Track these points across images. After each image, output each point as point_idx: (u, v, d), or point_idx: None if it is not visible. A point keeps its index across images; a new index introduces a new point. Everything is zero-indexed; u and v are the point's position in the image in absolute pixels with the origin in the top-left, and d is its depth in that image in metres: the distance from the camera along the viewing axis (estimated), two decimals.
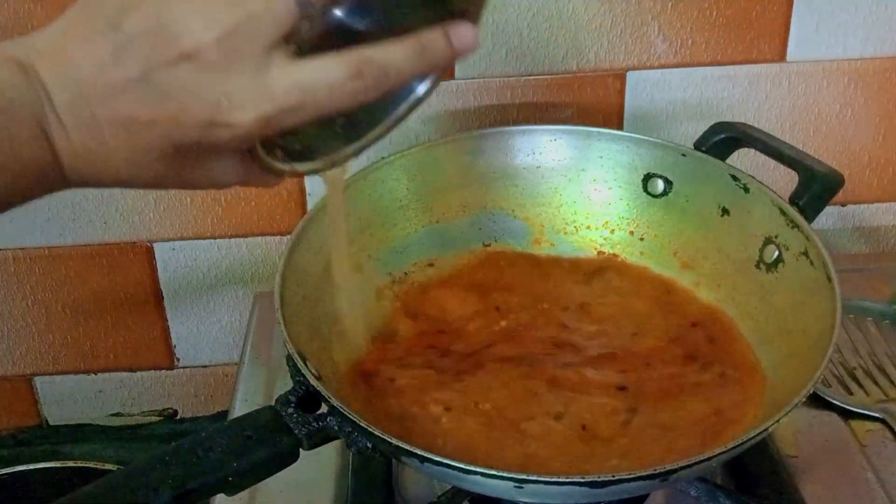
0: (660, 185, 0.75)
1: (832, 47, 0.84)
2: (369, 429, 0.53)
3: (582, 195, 0.77)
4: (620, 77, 0.84)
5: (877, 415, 0.71)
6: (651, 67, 0.84)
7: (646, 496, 0.63)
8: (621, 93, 0.85)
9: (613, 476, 0.51)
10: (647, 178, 0.75)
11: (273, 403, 0.57)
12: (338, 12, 0.47)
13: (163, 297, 0.92)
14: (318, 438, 0.56)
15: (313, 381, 0.56)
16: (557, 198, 0.77)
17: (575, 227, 0.77)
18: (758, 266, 0.69)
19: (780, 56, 0.84)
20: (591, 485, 0.51)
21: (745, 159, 0.75)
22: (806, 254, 0.65)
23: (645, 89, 0.85)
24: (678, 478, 0.53)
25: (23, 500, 0.90)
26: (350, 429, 0.55)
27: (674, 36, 0.83)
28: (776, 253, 0.68)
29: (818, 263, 0.64)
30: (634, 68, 0.84)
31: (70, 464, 0.92)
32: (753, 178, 0.70)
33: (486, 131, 0.79)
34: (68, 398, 0.97)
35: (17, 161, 0.42)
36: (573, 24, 0.82)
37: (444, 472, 0.53)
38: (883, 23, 0.83)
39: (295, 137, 0.48)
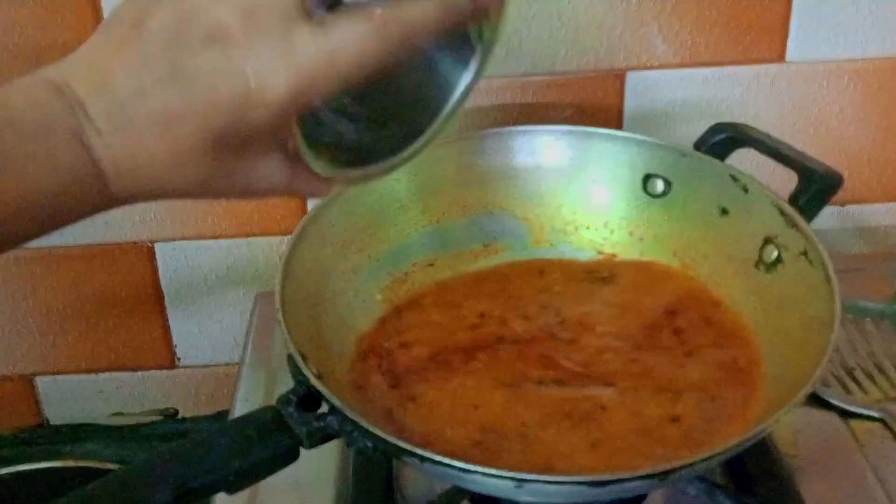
0: (659, 186, 0.75)
1: (832, 47, 0.84)
2: (369, 428, 0.53)
3: (582, 195, 0.77)
4: (620, 77, 0.84)
5: (876, 415, 0.71)
6: (651, 67, 0.84)
7: (645, 496, 0.63)
8: (621, 93, 0.85)
9: (613, 476, 0.51)
10: (647, 178, 0.75)
11: (274, 403, 0.57)
12: None
13: (164, 297, 0.92)
14: (319, 438, 0.56)
15: (314, 381, 0.56)
16: (557, 198, 0.77)
17: (575, 227, 0.77)
18: (757, 266, 0.70)
19: (780, 56, 0.84)
20: (591, 484, 0.51)
21: (744, 159, 0.75)
22: (805, 254, 0.65)
23: (645, 89, 0.85)
24: (678, 477, 0.53)
25: (23, 500, 0.90)
26: (350, 428, 0.55)
27: (674, 36, 0.83)
28: (775, 253, 0.68)
29: (818, 263, 0.64)
30: (634, 68, 0.84)
31: (70, 464, 0.92)
32: (753, 178, 0.71)
33: (486, 131, 0.79)
34: (69, 398, 0.97)
35: (57, 175, 0.43)
36: (573, 24, 0.82)
37: (444, 472, 0.54)
38: (883, 23, 0.83)
39: (345, 144, 0.47)
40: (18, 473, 0.90)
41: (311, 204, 0.86)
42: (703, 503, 0.63)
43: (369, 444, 0.55)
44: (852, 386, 0.74)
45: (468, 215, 0.76)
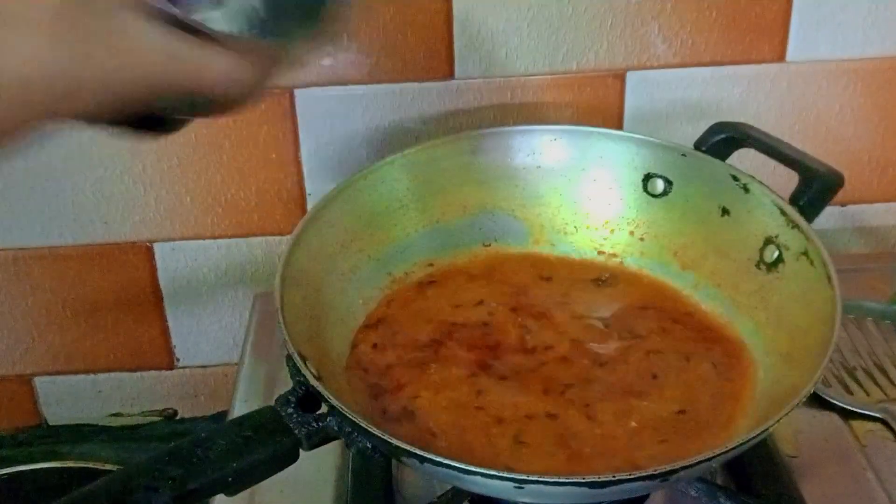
0: (660, 185, 0.75)
1: (832, 47, 0.84)
2: (369, 429, 0.53)
3: (582, 195, 0.77)
4: (620, 77, 0.84)
5: (877, 415, 0.71)
6: (651, 67, 0.84)
7: (646, 496, 0.63)
8: (621, 93, 0.85)
9: (613, 476, 0.51)
10: (647, 178, 0.75)
11: (273, 403, 0.57)
12: None
13: (163, 297, 0.92)
14: (318, 438, 0.56)
15: (313, 381, 0.56)
16: (557, 198, 0.77)
17: (575, 227, 0.77)
18: (758, 266, 0.69)
19: (780, 56, 0.84)
20: (591, 485, 0.51)
21: (745, 159, 0.75)
22: (806, 254, 0.65)
23: (645, 89, 0.85)
24: (678, 478, 0.53)
25: (23, 500, 0.90)
26: (350, 429, 0.55)
27: (674, 36, 0.83)
28: (776, 253, 0.68)
29: (818, 263, 0.64)
30: (634, 68, 0.84)
31: (70, 464, 0.92)
32: (754, 178, 0.70)
33: (486, 131, 0.79)
34: (68, 398, 0.97)
35: None
36: (573, 24, 0.82)
37: (444, 472, 0.53)
38: (883, 23, 0.83)
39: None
40: (17, 474, 0.90)
41: (311, 204, 0.86)
42: None
43: (369, 445, 0.55)
44: (853, 386, 0.74)
45: (468, 215, 0.76)
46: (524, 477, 0.51)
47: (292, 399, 0.56)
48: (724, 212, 0.72)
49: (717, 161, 0.72)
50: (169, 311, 0.92)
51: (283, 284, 0.63)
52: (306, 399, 0.56)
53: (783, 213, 0.68)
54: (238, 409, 0.74)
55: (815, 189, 0.67)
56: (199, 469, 0.53)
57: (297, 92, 0.83)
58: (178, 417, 0.99)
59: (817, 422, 0.71)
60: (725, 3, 0.81)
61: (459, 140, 0.77)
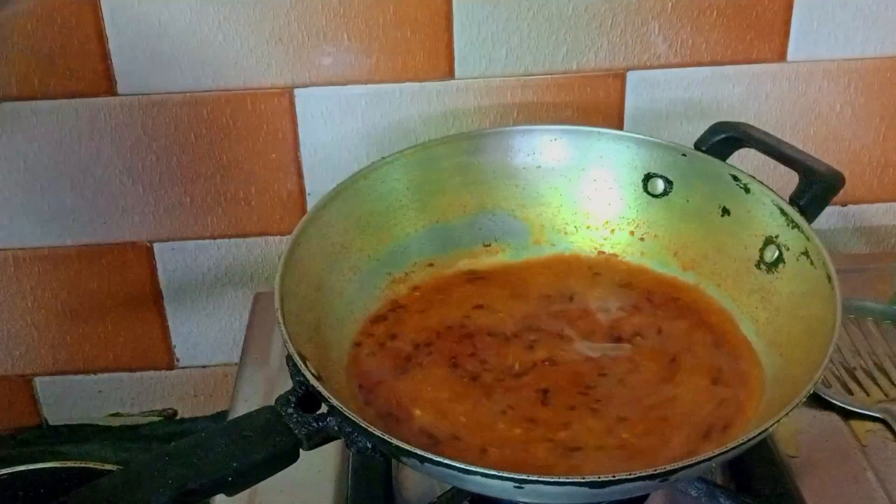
0: (660, 185, 0.75)
1: (832, 47, 0.84)
2: (369, 429, 0.53)
3: (582, 195, 0.77)
4: (620, 77, 0.84)
5: (877, 415, 0.71)
6: (651, 67, 0.84)
7: (646, 496, 0.63)
8: (621, 93, 0.85)
9: (613, 476, 0.51)
10: (648, 177, 0.75)
11: (273, 403, 0.57)
12: None
13: (162, 297, 0.92)
14: (318, 438, 0.56)
15: (313, 381, 0.56)
16: (557, 198, 0.77)
17: (575, 227, 0.77)
18: (758, 266, 0.69)
19: (781, 56, 0.84)
20: (591, 485, 0.51)
21: (745, 159, 0.75)
22: (806, 254, 0.65)
23: (645, 89, 0.85)
24: (678, 478, 0.53)
25: (23, 500, 0.90)
26: (350, 429, 0.55)
27: (674, 36, 0.83)
28: (776, 253, 0.68)
29: (818, 263, 0.64)
30: (634, 68, 0.84)
31: (70, 464, 0.91)
32: (754, 178, 0.70)
33: (486, 131, 0.79)
34: (68, 398, 0.96)
35: None
36: (573, 24, 0.82)
37: (444, 473, 0.53)
38: (883, 23, 0.83)
39: None
40: (17, 474, 0.90)
41: (311, 204, 0.86)
42: None
43: (369, 445, 0.55)
44: (853, 386, 0.74)
45: (468, 215, 0.76)
46: (524, 477, 0.51)
47: (292, 399, 0.56)
48: (725, 212, 0.72)
49: (717, 161, 0.72)
50: (169, 311, 0.92)
51: (283, 284, 0.63)
52: (306, 399, 0.56)
53: (783, 213, 0.68)
54: (238, 409, 0.74)
55: (816, 189, 0.67)
56: (199, 469, 0.53)
57: (296, 92, 0.83)
58: (178, 417, 0.99)
59: (817, 422, 0.71)
60: (726, 3, 0.81)
61: (459, 140, 0.77)
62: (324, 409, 0.56)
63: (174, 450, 0.54)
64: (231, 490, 0.54)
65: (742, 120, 0.76)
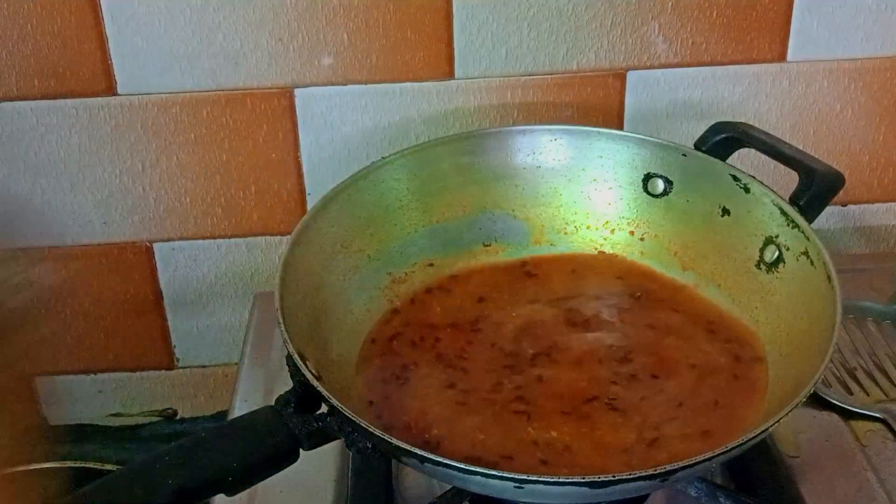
0: (660, 185, 0.75)
1: (832, 47, 0.84)
2: (369, 429, 0.53)
3: (582, 195, 0.77)
4: (620, 77, 0.84)
5: (877, 415, 0.71)
6: (651, 67, 0.84)
7: (646, 496, 0.63)
8: (621, 93, 0.85)
9: (613, 476, 0.51)
10: (648, 177, 0.75)
11: (273, 403, 0.57)
12: None
13: (163, 297, 0.92)
14: (318, 438, 0.56)
15: (313, 382, 0.56)
16: (557, 198, 0.77)
17: (575, 227, 0.77)
18: (758, 266, 0.69)
19: (781, 56, 0.84)
20: (591, 485, 0.51)
21: (745, 159, 0.75)
22: (806, 254, 0.65)
23: (645, 89, 0.85)
24: (678, 478, 0.53)
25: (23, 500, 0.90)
26: (350, 429, 0.55)
27: (674, 36, 0.83)
28: (776, 253, 0.68)
29: (818, 263, 0.64)
30: (634, 68, 0.84)
31: (70, 464, 0.91)
32: (754, 178, 0.70)
33: (486, 131, 0.79)
34: (68, 398, 0.96)
35: None
36: (573, 23, 0.82)
37: (444, 473, 0.53)
38: (883, 23, 0.83)
39: None
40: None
41: (311, 204, 0.86)
42: None
43: (369, 445, 0.55)
44: (853, 386, 0.74)
45: (468, 215, 0.76)
46: (524, 477, 0.51)
47: (292, 399, 0.56)
48: (725, 212, 0.72)
49: (717, 161, 0.72)
50: (169, 311, 0.92)
51: (283, 284, 0.63)
52: (306, 399, 0.56)
53: (783, 213, 0.68)
54: (238, 409, 0.74)
55: (816, 189, 0.67)
56: (199, 469, 0.53)
57: (296, 92, 0.83)
58: (178, 417, 0.99)
59: (817, 422, 0.71)
60: (726, 3, 0.81)
61: (459, 140, 0.77)
62: (324, 409, 0.56)
63: (174, 450, 0.53)
64: (231, 490, 0.54)
65: (742, 120, 0.76)
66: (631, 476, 0.51)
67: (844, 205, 0.92)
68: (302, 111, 0.84)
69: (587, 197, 0.77)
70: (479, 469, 0.51)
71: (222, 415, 0.92)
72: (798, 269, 0.66)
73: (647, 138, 0.75)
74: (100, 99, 0.82)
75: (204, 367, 0.96)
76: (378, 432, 0.53)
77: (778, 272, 0.68)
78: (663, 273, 0.74)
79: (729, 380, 0.65)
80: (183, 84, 0.82)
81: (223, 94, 0.82)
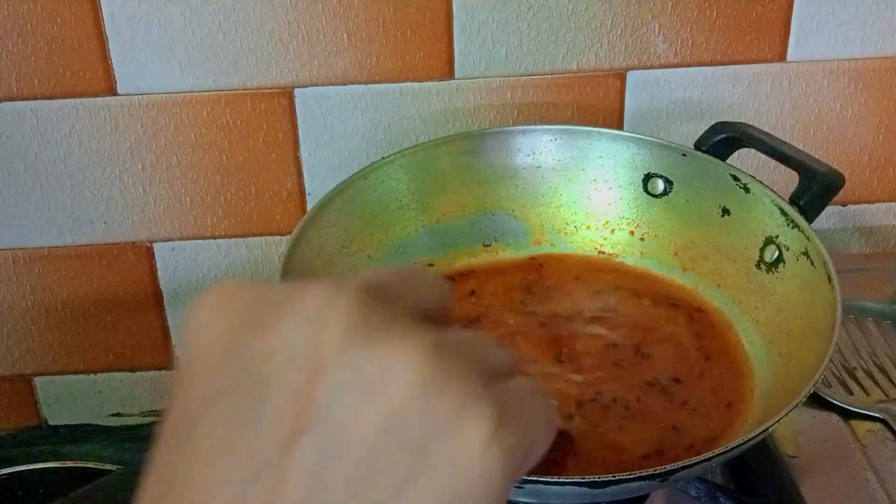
0: (660, 185, 0.75)
1: (832, 47, 0.84)
2: None
3: (582, 195, 0.77)
4: (620, 77, 0.84)
5: (877, 415, 0.71)
6: (651, 67, 0.84)
7: (646, 496, 0.63)
8: (621, 93, 0.85)
9: (613, 476, 0.51)
10: (648, 177, 0.75)
11: None
12: None
13: (163, 297, 0.92)
14: None
15: None
16: (557, 198, 0.77)
17: (575, 227, 0.77)
18: (758, 266, 0.69)
19: (781, 56, 0.84)
20: (591, 485, 0.51)
21: (745, 159, 0.75)
22: (806, 254, 0.65)
23: (645, 89, 0.85)
24: (678, 478, 0.53)
25: (23, 500, 0.90)
26: None
27: (674, 36, 0.83)
28: (776, 253, 0.68)
29: (818, 263, 0.64)
30: (634, 68, 0.84)
31: (70, 464, 0.92)
32: (754, 178, 0.70)
33: (486, 131, 0.79)
34: (68, 398, 0.96)
35: None
36: (573, 23, 0.82)
37: None
38: (883, 23, 0.83)
39: None
40: (17, 474, 0.90)
41: (311, 204, 0.86)
42: None
43: None
44: (853, 386, 0.74)
45: (468, 215, 0.76)
46: (524, 477, 0.51)
47: None
48: (725, 212, 0.72)
49: (717, 161, 0.72)
50: (169, 311, 0.92)
51: None
52: None
53: (783, 213, 0.68)
54: None
55: (816, 189, 0.67)
56: None
57: (296, 92, 0.83)
58: None
59: (817, 422, 0.71)
60: (726, 3, 0.81)
61: (459, 140, 0.77)
62: None
63: None
64: None
65: (742, 120, 0.76)
66: (631, 476, 0.51)
67: (844, 205, 0.92)
68: (302, 111, 0.84)
69: (587, 197, 0.77)
70: None
71: None
72: (798, 269, 0.66)
73: (647, 138, 0.75)
74: (100, 99, 0.82)
75: None
76: None
77: (778, 272, 0.68)
78: (663, 273, 0.74)
79: (729, 379, 0.65)
80: (183, 84, 0.82)
81: (223, 94, 0.82)
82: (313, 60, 0.82)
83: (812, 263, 0.65)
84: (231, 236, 0.89)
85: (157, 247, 0.89)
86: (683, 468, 0.52)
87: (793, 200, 0.67)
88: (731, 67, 0.84)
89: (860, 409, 0.71)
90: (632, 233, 0.76)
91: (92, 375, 0.95)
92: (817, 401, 0.72)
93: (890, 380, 0.74)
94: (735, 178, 0.71)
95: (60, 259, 0.89)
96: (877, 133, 0.88)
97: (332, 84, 0.83)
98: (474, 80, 0.83)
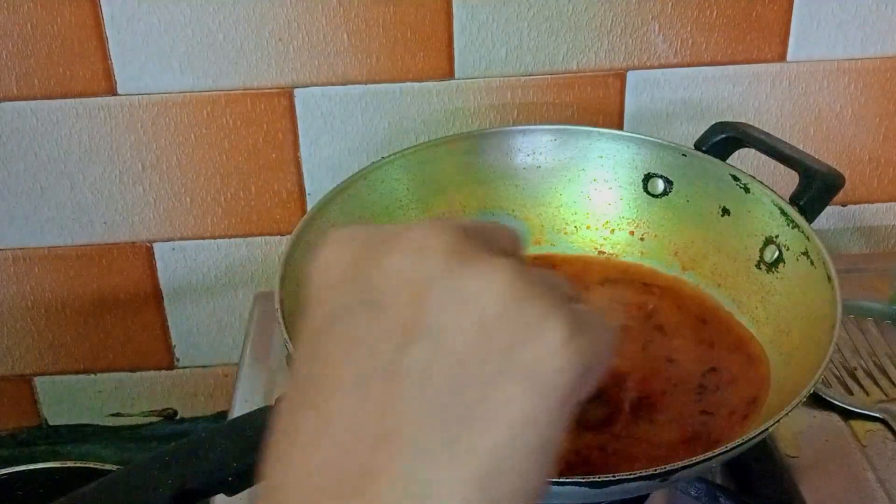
0: (660, 185, 0.75)
1: (832, 47, 0.84)
2: None
3: (582, 195, 0.77)
4: (620, 77, 0.84)
5: (877, 415, 0.71)
6: (651, 67, 0.84)
7: (646, 496, 0.63)
8: (621, 93, 0.85)
9: (613, 476, 0.51)
10: (648, 177, 0.75)
11: (273, 403, 0.57)
12: None
13: (163, 298, 0.92)
14: None
15: None
16: (557, 198, 0.77)
17: (575, 226, 0.77)
18: (758, 266, 0.69)
19: (781, 56, 0.84)
20: (591, 485, 0.51)
21: (745, 159, 0.75)
22: (806, 254, 0.65)
23: (645, 89, 0.85)
24: (678, 478, 0.53)
25: (23, 500, 0.90)
26: None
27: (674, 36, 0.83)
28: (776, 253, 0.68)
29: (818, 263, 0.64)
30: (634, 68, 0.84)
31: (70, 464, 0.91)
32: (754, 178, 0.70)
33: (486, 131, 0.79)
34: (68, 398, 0.96)
35: None
36: (573, 23, 0.82)
37: None
38: (883, 23, 0.83)
39: None
40: (17, 474, 0.90)
41: (311, 204, 0.86)
42: None
43: None
44: (853, 386, 0.74)
45: (468, 215, 0.76)
46: None
47: None
48: (725, 212, 0.72)
49: (717, 161, 0.72)
50: (169, 310, 0.92)
51: (283, 284, 0.63)
52: None
53: (783, 213, 0.68)
54: (238, 409, 0.74)
55: (816, 189, 0.67)
56: (199, 469, 0.53)
57: (296, 92, 0.83)
58: (178, 417, 0.99)
59: (817, 422, 0.71)
60: (726, 3, 0.81)
61: (459, 140, 0.77)
62: None
63: (174, 450, 0.53)
64: (231, 490, 0.54)
65: (742, 120, 0.76)
66: (631, 476, 0.51)
67: (844, 205, 0.92)
68: (302, 111, 0.84)
69: (587, 197, 0.77)
70: None
71: (222, 415, 0.92)
72: (798, 269, 0.66)
73: (647, 138, 0.75)
74: (100, 99, 0.82)
75: (204, 367, 0.96)
76: None
77: (778, 272, 0.68)
78: (663, 273, 0.74)
79: (729, 379, 0.65)
80: (183, 84, 0.82)
81: (223, 94, 0.82)
82: (313, 60, 0.82)
83: (812, 263, 0.65)
84: (231, 236, 0.89)
85: (157, 247, 0.89)
86: (683, 468, 0.52)
87: (793, 200, 0.67)
88: (731, 67, 0.84)
89: (860, 409, 0.71)
90: (632, 233, 0.76)
91: (92, 375, 0.95)
92: (817, 401, 0.72)
93: (890, 380, 0.74)
94: (735, 178, 0.71)
95: (60, 259, 0.89)
96: (877, 133, 0.88)
97: (332, 84, 0.83)
98: (474, 80, 0.83)
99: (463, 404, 0.30)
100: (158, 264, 0.90)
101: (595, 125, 0.77)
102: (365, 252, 0.32)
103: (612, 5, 0.81)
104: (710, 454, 0.53)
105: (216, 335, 0.94)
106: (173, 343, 0.94)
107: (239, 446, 0.54)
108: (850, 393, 0.73)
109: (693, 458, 0.52)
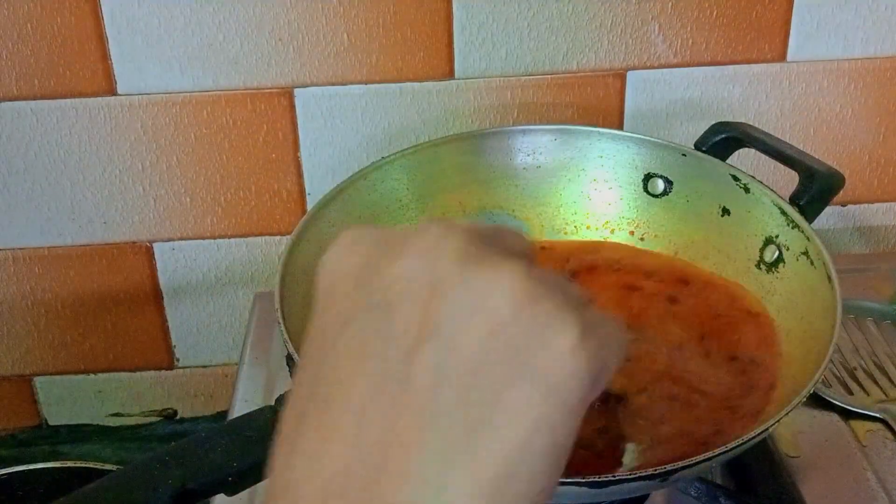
0: (660, 185, 0.75)
1: (832, 47, 0.84)
2: None
3: (582, 195, 0.77)
4: (620, 77, 0.84)
5: (877, 415, 0.71)
6: (651, 67, 0.84)
7: (646, 496, 0.63)
8: (621, 92, 0.85)
9: (613, 476, 0.51)
10: (648, 177, 0.75)
11: (273, 403, 0.57)
12: None
13: (162, 297, 0.92)
14: None
15: None
16: (557, 198, 0.77)
17: (575, 227, 0.77)
18: (758, 266, 0.69)
19: (781, 56, 0.84)
20: (591, 485, 0.51)
21: (745, 159, 0.75)
22: (806, 254, 0.65)
23: (645, 89, 0.85)
24: (678, 478, 0.53)
25: (23, 500, 0.90)
26: None
27: (674, 36, 0.83)
28: (776, 253, 0.68)
29: (818, 263, 0.64)
30: (634, 68, 0.84)
31: (70, 464, 0.91)
32: (754, 178, 0.70)
33: (486, 131, 0.79)
34: (68, 398, 0.96)
35: None
36: (573, 23, 0.82)
37: None
38: (883, 23, 0.83)
39: None
40: (17, 474, 0.90)
41: (311, 204, 0.86)
42: None
43: None
44: (853, 386, 0.74)
45: (468, 215, 0.76)
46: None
47: None
48: (725, 212, 0.72)
49: (717, 161, 0.72)
50: (169, 310, 0.92)
51: (283, 284, 0.63)
52: None
53: (783, 213, 0.68)
54: (238, 409, 0.74)
55: (816, 189, 0.67)
56: (199, 469, 0.53)
57: (296, 92, 0.83)
58: (178, 417, 0.99)
59: (817, 422, 0.71)
60: (726, 3, 0.81)
61: (459, 140, 0.77)
62: None
63: (174, 450, 0.53)
64: (231, 490, 0.54)
65: (742, 120, 0.76)
66: (631, 476, 0.51)
67: (844, 205, 0.92)
68: (302, 111, 0.84)
69: (587, 197, 0.77)
70: None
71: (222, 415, 0.92)
72: (798, 269, 0.66)
73: (647, 138, 0.75)
74: (100, 99, 0.82)
75: (204, 367, 0.96)
76: None
77: (778, 272, 0.68)
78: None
79: (729, 378, 0.65)
80: (183, 84, 0.82)
81: (223, 94, 0.82)
82: (313, 60, 0.82)
83: (812, 263, 0.65)
84: (231, 236, 0.89)
85: (157, 247, 0.89)
86: (683, 468, 0.52)
87: (793, 200, 0.67)
88: (731, 67, 0.84)
89: (860, 409, 0.72)
90: (632, 233, 0.76)
91: (92, 375, 0.95)
92: (817, 401, 0.72)
93: (890, 380, 0.74)
94: (735, 178, 0.71)
95: (60, 259, 0.89)
96: (877, 133, 0.88)
97: (332, 84, 0.83)
98: (474, 80, 0.83)
99: (476, 407, 0.30)
100: (158, 264, 0.90)
101: (595, 125, 0.77)
102: (374, 254, 0.32)
103: (612, 5, 0.81)
104: (710, 454, 0.53)
105: (216, 335, 0.94)
106: (173, 343, 0.94)
107: (239, 446, 0.54)
108: (850, 393, 0.73)
109: (693, 458, 0.52)
